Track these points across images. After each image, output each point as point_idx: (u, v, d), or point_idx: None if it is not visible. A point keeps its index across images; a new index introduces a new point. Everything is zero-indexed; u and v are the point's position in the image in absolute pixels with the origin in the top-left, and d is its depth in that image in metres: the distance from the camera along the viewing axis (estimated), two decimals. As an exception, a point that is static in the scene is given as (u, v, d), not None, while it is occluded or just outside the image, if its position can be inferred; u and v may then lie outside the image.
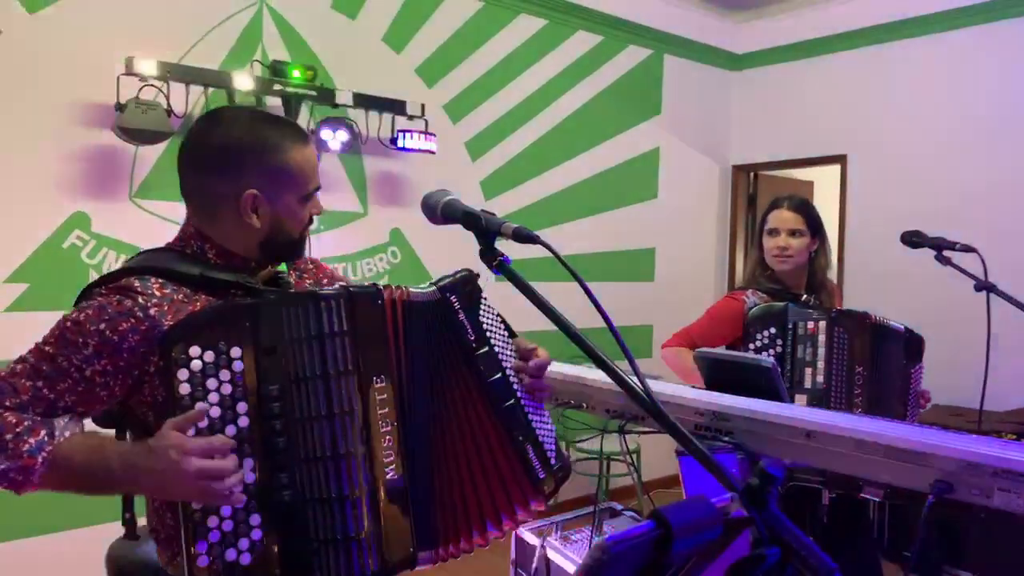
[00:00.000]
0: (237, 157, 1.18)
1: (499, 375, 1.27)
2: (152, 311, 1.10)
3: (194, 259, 1.19)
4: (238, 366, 1.05)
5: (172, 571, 1.20)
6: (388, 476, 1.13)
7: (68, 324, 1.10)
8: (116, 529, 1.63)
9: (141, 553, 1.83)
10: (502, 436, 1.26)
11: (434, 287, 1.25)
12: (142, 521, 1.34)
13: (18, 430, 1.03)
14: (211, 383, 1.03)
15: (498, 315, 1.31)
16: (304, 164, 1.23)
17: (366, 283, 1.21)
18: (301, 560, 1.06)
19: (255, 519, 1.04)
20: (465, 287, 1.27)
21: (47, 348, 1.09)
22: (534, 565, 2.41)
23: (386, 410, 1.15)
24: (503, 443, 1.26)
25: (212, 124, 1.23)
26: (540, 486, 1.28)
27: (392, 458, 1.14)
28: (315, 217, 1.29)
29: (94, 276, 2.94)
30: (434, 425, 1.23)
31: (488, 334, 1.27)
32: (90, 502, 2.58)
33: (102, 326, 1.08)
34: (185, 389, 1.02)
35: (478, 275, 1.31)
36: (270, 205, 1.20)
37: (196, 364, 1.02)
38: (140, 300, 1.10)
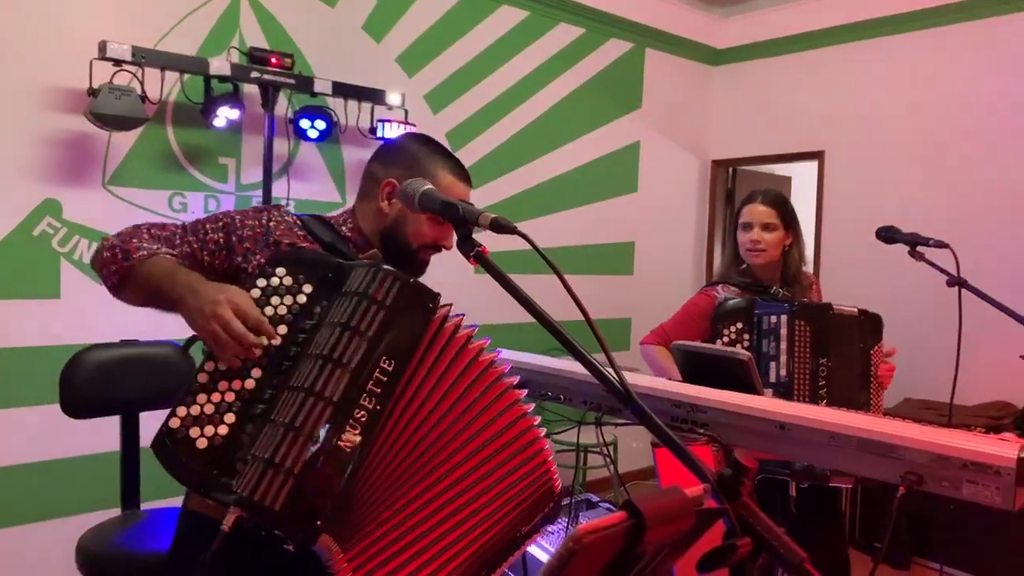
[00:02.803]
0: (400, 153, 1.46)
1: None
2: (271, 225, 1.39)
3: (331, 228, 1.45)
4: (302, 299, 1.21)
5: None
6: (341, 443, 1.09)
7: (220, 212, 1.43)
8: (86, 520, 1.61)
9: (110, 544, 1.81)
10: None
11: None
12: (146, 505, 1.38)
13: (144, 242, 1.34)
14: (275, 299, 1.21)
15: None
16: (450, 188, 1.40)
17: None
18: (230, 464, 1.09)
19: (230, 418, 1.13)
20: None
21: (200, 219, 1.41)
22: (510, 556, 2.41)
23: (379, 390, 1.13)
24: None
25: (408, 135, 1.57)
26: None
27: (357, 432, 1.11)
28: (443, 249, 1.45)
29: (65, 264, 2.93)
30: (406, 449, 1.18)
31: None
32: (60, 496, 2.54)
33: (236, 216, 1.40)
34: (255, 293, 1.21)
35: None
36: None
37: (274, 280, 1.21)
38: (273, 215, 1.41)
